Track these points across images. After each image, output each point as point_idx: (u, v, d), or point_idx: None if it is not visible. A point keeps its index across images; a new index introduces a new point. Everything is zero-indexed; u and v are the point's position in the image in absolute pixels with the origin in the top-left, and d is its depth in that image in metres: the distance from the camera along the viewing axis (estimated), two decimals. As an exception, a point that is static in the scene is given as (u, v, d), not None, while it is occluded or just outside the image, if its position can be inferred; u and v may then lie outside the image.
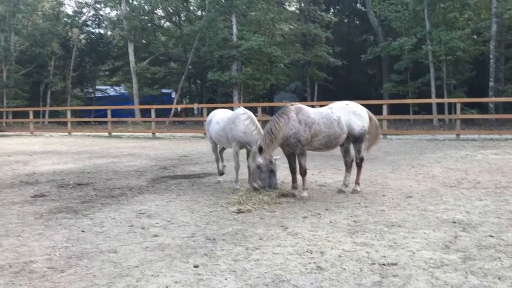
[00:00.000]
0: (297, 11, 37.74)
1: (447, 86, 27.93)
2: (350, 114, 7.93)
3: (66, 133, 26.03)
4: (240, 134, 8.34)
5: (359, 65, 36.10)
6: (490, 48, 26.07)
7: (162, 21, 42.23)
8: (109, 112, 25.20)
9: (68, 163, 13.15)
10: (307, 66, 34.18)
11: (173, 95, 40.90)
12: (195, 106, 38.48)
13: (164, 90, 41.02)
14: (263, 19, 33.52)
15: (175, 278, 4.31)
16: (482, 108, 26.87)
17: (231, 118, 8.58)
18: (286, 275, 4.28)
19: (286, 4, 38.77)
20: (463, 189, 8.17)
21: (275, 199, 7.41)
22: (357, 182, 8.20)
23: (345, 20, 41.78)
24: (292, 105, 8.10)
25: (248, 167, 7.82)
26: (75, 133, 25.98)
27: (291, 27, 37.79)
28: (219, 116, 9.03)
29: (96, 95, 44.23)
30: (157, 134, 23.61)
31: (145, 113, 33.41)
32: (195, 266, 4.60)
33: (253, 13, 33.42)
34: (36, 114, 33.15)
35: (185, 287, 4.10)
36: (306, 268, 4.44)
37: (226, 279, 4.25)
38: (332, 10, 40.32)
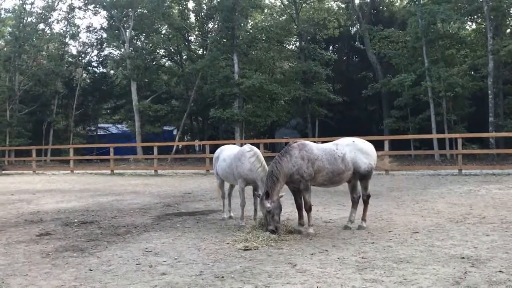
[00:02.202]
0: (297, 49, 38.46)
1: (447, 121, 28.18)
2: (357, 151, 8.00)
3: (69, 171, 26.09)
4: (245, 172, 8.40)
5: (359, 101, 36.53)
6: (488, 84, 26.45)
7: (164, 60, 43.02)
8: (111, 150, 25.33)
9: (72, 201, 13.15)
10: (308, 103, 34.58)
11: (175, 132, 41.20)
12: (197, 143, 38.73)
13: (166, 128, 41.36)
14: (263, 57, 34.16)
15: (185, 317, 4.28)
16: (483, 143, 27.03)
17: (237, 155, 8.66)
18: (298, 313, 4.25)
19: (286, 43, 39.56)
20: (469, 224, 8.16)
21: (281, 236, 7.40)
22: (363, 219, 8.21)
23: (344, 58, 42.54)
24: (295, 142, 8.21)
25: (254, 204, 7.80)
26: (77, 171, 26.04)
27: (291, 65, 38.45)
28: (226, 153, 9.12)
29: (98, 133, 44.56)
30: (159, 171, 23.66)
31: (147, 150, 33.57)
32: (205, 305, 4.57)
33: (254, 52, 34.08)
34: (39, 153, 33.32)
35: (196, 326, 4.07)
36: (317, 306, 4.42)
37: (237, 317, 4.22)
38: (331, 48, 41.13)
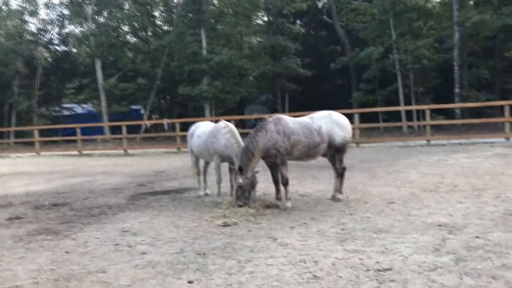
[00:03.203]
0: (265, 24, 38.11)
1: (414, 93, 28.63)
2: (332, 124, 8.00)
3: (34, 153, 25.33)
4: (221, 148, 8.29)
5: (328, 75, 36.63)
6: (454, 55, 26.91)
7: (129, 37, 41.90)
8: (78, 130, 24.70)
9: (41, 184, 12.77)
10: (277, 78, 34.46)
11: (142, 111, 40.48)
12: (166, 121, 38.18)
13: (133, 107, 40.54)
14: (231, 32, 33.70)
15: (170, 295, 4.22)
16: (449, 114, 27.62)
17: (212, 131, 8.53)
18: (284, 286, 4.25)
19: (254, 17, 39.10)
20: (443, 193, 8.33)
21: (260, 211, 7.38)
22: (339, 191, 8.27)
23: (312, 32, 42.42)
24: (271, 116, 8.15)
25: (231, 180, 7.76)
26: (43, 153, 25.31)
27: (259, 39, 38.11)
28: (201, 130, 8.97)
29: (63, 114, 43.33)
30: (129, 151, 23.25)
31: (114, 130, 32.90)
32: (189, 282, 4.51)
33: (222, 27, 33.57)
34: (1, 135, 32.20)
35: (182, 304, 4.01)
36: (303, 278, 4.42)
37: (223, 293, 4.18)
38: (299, 22, 40.90)
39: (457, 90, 26.76)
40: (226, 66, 30.06)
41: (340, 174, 8.30)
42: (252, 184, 7.67)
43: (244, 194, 7.61)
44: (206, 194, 9.39)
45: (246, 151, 7.60)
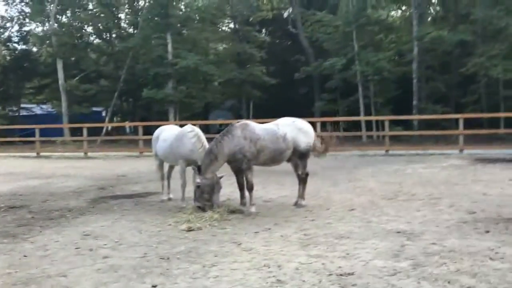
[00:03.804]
0: (231, 31, 38.26)
1: (374, 104, 29.37)
2: (297, 131, 8.16)
3: (-11, 154, 24.38)
4: (187, 152, 8.29)
5: (292, 84, 37.04)
6: (413, 69, 27.82)
7: (92, 38, 41.09)
8: (37, 131, 23.97)
9: (-3, 185, 12.34)
10: (242, 85, 34.61)
11: (104, 113, 39.71)
12: (128, 124, 37.59)
13: (94, 109, 39.68)
14: (198, 38, 33.62)
15: (134, 299, 4.19)
16: (406, 125, 28.45)
17: (178, 135, 8.52)
18: (249, 291, 4.30)
19: (220, 24, 39.17)
20: (401, 201, 8.61)
21: (224, 216, 7.41)
22: (302, 196, 8.41)
23: (277, 41, 42.86)
24: (238, 122, 8.24)
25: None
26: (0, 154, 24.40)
27: (225, 46, 38.19)
28: (166, 133, 8.93)
29: (22, 114, 41.91)
30: (89, 154, 22.75)
31: (75, 132, 32.12)
32: (153, 286, 4.50)
33: (188, 32, 33.45)
34: (-47, 134, 30.81)
35: (147, 307, 4.00)
36: (267, 282, 4.49)
37: (188, 297, 4.19)
38: (265, 30, 41.27)
39: (415, 102, 27.63)
40: (191, 71, 29.94)
41: (303, 179, 8.45)
42: (212, 186, 7.67)
43: (202, 195, 7.62)
44: (170, 199, 9.34)
45: (209, 153, 7.66)
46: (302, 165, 8.39)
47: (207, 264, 5.10)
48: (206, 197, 7.64)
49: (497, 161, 14.90)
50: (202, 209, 7.58)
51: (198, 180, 7.60)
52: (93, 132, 30.64)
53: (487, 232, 6.16)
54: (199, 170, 7.58)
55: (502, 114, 24.92)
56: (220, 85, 36.26)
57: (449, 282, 4.31)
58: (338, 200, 8.92)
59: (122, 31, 38.82)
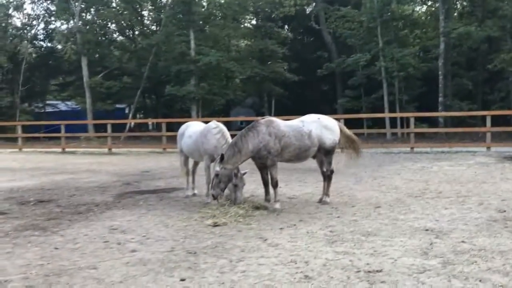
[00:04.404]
0: (253, 27, 38.25)
1: (399, 101, 29.00)
2: (322, 128, 8.12)
3: (17, 150, 24.94)
4: (211, 148, 8.32)
5: (314, 81, 36.87)
6: (439, 65, 27.38)
7: (115, 35, 41.60)
8: (62, 127, 24.43)
9: (25, 180, 12.61)
10: (264, 82, 34.57)
11: (127, 110, 40.18)
12: (150, 121, 37.95)
13: (117, 105, 40.21)
14: (220, 34, 33.71)
15: (163, 292, 4.23)
16: (432, 122, 28.05)
17: (203, 131, 8.57)
18: (276, 285, 4.29)
19: (242, 20, 39.20)
20: (428, 199, 8.49)
21: (249, 212, 7.42)
22: (326, 194, 8.37)
23: (300, 37, 42.68)
24: (263, 118, 8.24)
25: None
26: (26, 150, 24.94)
27: (247, 42, 38.22)
28: (191, 130, 8.98)
29: (47, 110, 42.75)
30: (113, 150, 23.06)
31: (99, 128, 32.61)
32: (181, 280, 4.53)
33: (210, 28, 33.58)
34: (-18, 130, 31.58)
35: (176, 300, 4.03)
36: (294, 278, 4.48)
37: (216, 291, 4.21)
38: (287, 27, 41.13)
39: (441, 99, 27.21)
40: (213, 68, 30.06)
41: (328, 177, 8.40)
42: (230, 177, 7.68)
43: (219, 185, 7.67)
44: (194, 194, 9.39)
45: (233, 146, 7.71)
46: (327, 162, 8.34)
47: (234, 259, 5.12)
48: (222, 187, 7.71)
49: (526, 159, 14.57)
50: (215, 197, 7.68)
51: (217, 169, 7.64)
52: (117, 128, 31.07)
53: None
54: (221, 159, 7.60)
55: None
56: (242, 82, 36.29)
57: (480, 281, 4.23)
58: (363, 197, 8.84)
59: (145, 28, 39.19)
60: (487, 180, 10.63)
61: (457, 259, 4.90)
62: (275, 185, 7.94)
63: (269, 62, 34.28)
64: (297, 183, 10.93)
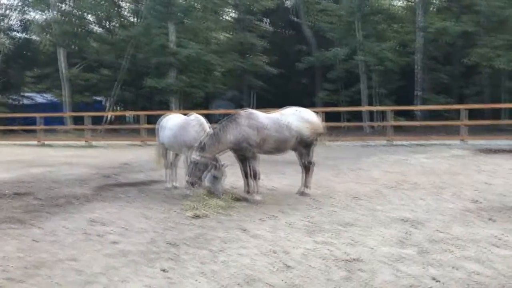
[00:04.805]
0: (233, 20, 38.10)
1: (377, 95, 29.32)
2: (301, 119, 8.19)
3: (-9, 143, 24.42)
4: (190, 140, 8.32)
5: (294, 74, 36.94)
6: (416, 59, 27.75)
7: (92, 26, 40.89)
8: (39, 120, 24.03)
9: (1, 173, 12.39)
10: (244, 75, 34.52)
11: (104, 102, 39.67)
12: (130, 113, 37.54)
13: (95, 98, 39.64)
14: (199, 27, 33.48)
15: (144, 282, 4.26)
16: (409, 115, 28.45)
17: (182, 124, 8.57)
18: (257, 275, 4.36)
19: (222, 13, 38.97)
20: (404, 190, 8.66)
21: (229, 204, 7.47)
22: (307, 185, 8.46)
23: (280, 31, 42.68)
24: (243, 110, 8.28)
25: None
26: (1, 142, 24.44)
27: (227, 35, 38.04)
28: (171, 122, 8.97)
29: (23, 103, 41.88)
30: (92, 143, 22.79)
31: (76, 121, 32.14)
32: (162, 270, 4.57)
33: (190, 21, 33.32)
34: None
35: (157, 290, 4.07)
36: (274, 267, 4.55)
37: (197, 281, 4.26)
38: (267, 20, 41.08)
39: (418, 92, 27.61)
40: (193, 60, 29.86)
41: (308, 169, 8.49)
42: (206, 166, 7.71)
43: (195, 172, 7.72)
44: (174, 187, 9.39)
45: (213, 136, 7.77)
46: (307, 154, 8.42)
47: (215, 250, 5.17)
48: (198, 175, 7.74)
49: (499, 151, 14.93)
50: (191, 184, 7.75)
51: (194, 156, 7.66)
52: (95, 121, 30.70)
53: (491, 220, 6.22)
54: (200, 147, 7.64)
55: (503, 105, 24.92)
56: (222, 74, 36.13)
57: (454, 268, 4.37)
58: (342, 189, 8.97)
59: (123, 19, 38.64)
60: (462, 172, 10.88)
61: (433, 247, 5.05)
62: (255, 177, 8.00)
63: (249, 55, 34.22)
64: (277, 175, 11.00)
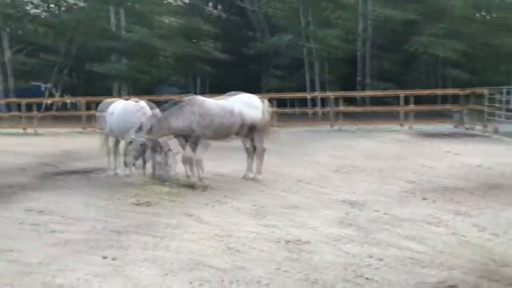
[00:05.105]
0: (180, 4, 37.37)
1: (323, 81, 29.82)
2: (245, 105, 8.21)
3: None
4: (132, 126, 8.14)
5: (242, 60, 36.79)
6: (359, 46, 28.42)
7: (29, 7, 38.86)
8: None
9: None
10: (192, 60, 34.03)
11: (43, 88, 37.97)
12: (69, 99, 36.16)
13: (35, 83, 37.85)
14: (145, 10, 32.62)
15: (85, 270, 4.17)
16: (354, 102, 29.15)
17: (124, 109, 8.37)
18: (201, 258, 4.37)
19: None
20: (347, 173, 8.91)
21: (174, 190, 7.40)
22: (254, 170, 8.47)
23: (228, 16, 42.33)
24: (187, 96, 8.20)
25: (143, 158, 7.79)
26: None
27: (174, 20, 37.25)
28: (113, 108, 8.72)
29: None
30: (29, 130, 21.79)
31: (13, 107, 30.59)
32: (104, 257, 4.48)
33: (135, 4, 32.38)
34: None
35: (98, 277, 3.98)
36: (219, 251, 4.58)
37: (140, 267, 4.22)
38: (215, 5, 40.60)
39: (360, 78, 28.36)
40: (138, 44, 29.08)
41: (251, 153, 8.52)
42: (144, 148, 7.63)
43: (132, 152, 7.75)
44: (117, 174, 9.17)
45: (158, 121, 7.68)
46: (258, 140, 8.46)
47: (159, 236, 5.12)
48: (135, 155, 7.72)
49: (437, 135, 15.65)
50: (125, 165, 7.83)
51: (133, 136, 7.55)
52: (34, 107, 29.35)
53: (425, 200, 6.54)
54: (140, 129, 7.57)
55: (439, 91, 26.00)
56: (168, 59, 35.47)
57: (391, 246, 4.58)
58: (287, 173, 9.06)
59: (65, 3, 36.98)
60: (401, 155, 11.31)
61: (371, 227, 5.25)
62: (199, 163, 7.97)
63: (197, 41, 33.74)
64: (224, 160, 10.97)
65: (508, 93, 17.51)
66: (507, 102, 17.09)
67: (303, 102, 29.67)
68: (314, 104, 28.76)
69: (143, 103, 8.38)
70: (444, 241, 4.75)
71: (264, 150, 8.60)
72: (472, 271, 3.94)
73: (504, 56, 29.34)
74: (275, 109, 23.79)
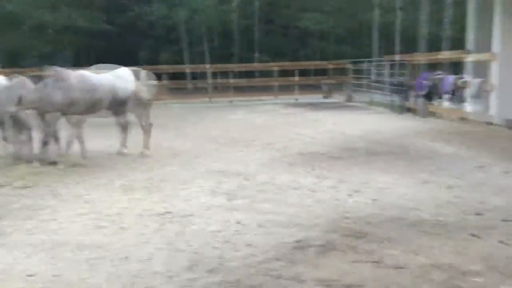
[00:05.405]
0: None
1: (201, 54, 29.64)
2: (114, 78, 7.95)
3: None
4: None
5: (117, 31, 35.12)
6: (232, 19, 28.63)
7: None
8: None
9: None
10: (60, 31, 31.59)
11: None
12: None
13: None
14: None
15: None
16: (249, 76, 29.27)
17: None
18: (65, 238, 4.23)
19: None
20: (222, 144, 9.20)
21: (38, 169, 6.97)
22: (145, 146, 8.21)
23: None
24: (51, 70, 7.71)
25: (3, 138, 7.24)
26: None
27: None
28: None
29: None
30: None
31: None
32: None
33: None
34: None
35: None
36: (86, 229, 4.48)
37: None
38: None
39: (234, 50, 28.72)
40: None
41: (145, 129, 8.32)
42: (9, 124, 7.42)
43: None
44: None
45: (19, 98, 7.15)
46: (144, 115, 8.31)
47: (19, 218, 4.83)
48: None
49: (306, 106, 16.65)
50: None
51: (12, 108, 7.18)
52: None
53: (290, 165, 7.09)
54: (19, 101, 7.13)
55: (311, 64, 27.28)
56: (32, 29, 32.43)
57: (255, 211, 4.90)
58: (161, 147, 8.95)
59: None
60: (276, 126, 11.89)
61: (239, 194, 5.52)
62: (56, 139, 7.74)
63: (66, 9, 31.13)
64: (98, 138, 10.46)
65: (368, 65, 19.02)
66: (368, 74, 18.58)
67: (180, 76, 29.31)
68: (193, 78, 28.55)
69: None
70: (303, 203, 5.16)
71: (151, 125, 8.42)
72: (327, 228, 4.35)
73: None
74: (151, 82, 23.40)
